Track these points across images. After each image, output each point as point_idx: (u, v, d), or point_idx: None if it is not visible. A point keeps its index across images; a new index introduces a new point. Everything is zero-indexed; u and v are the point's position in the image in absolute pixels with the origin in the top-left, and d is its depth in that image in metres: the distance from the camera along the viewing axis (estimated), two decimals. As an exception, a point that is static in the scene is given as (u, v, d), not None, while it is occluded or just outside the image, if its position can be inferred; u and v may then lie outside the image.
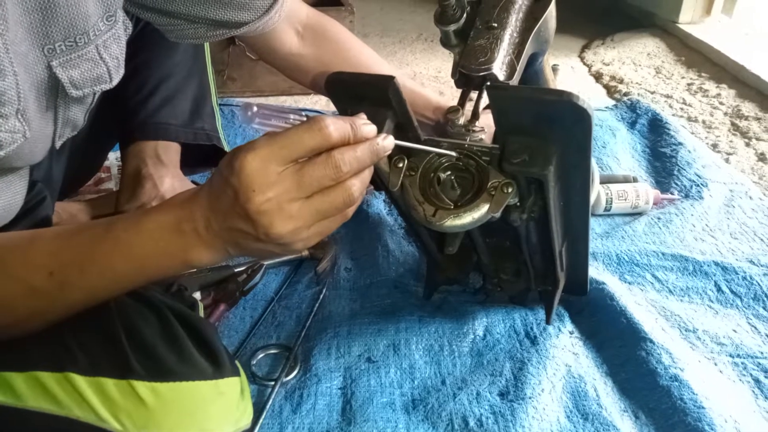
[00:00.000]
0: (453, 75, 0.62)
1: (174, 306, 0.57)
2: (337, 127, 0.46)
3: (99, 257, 0.48)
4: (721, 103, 1.48)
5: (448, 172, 0.58)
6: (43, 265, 0.48)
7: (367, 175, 0.49)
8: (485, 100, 0.58)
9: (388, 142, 0.49)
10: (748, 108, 1.43)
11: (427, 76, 1.71)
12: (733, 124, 1.39)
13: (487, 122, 0.63)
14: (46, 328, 0.51)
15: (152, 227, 0.48)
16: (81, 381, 0.48)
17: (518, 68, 0.59)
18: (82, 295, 0.50)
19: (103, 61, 0.58)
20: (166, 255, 0.48)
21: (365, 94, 0.56)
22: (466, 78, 0.59)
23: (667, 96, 1.54)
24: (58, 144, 0.62)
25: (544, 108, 0.51)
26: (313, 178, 0.45)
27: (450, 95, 1.52)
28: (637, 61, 1.77)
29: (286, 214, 0.45)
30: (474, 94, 0.63)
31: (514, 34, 0.61)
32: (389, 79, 0.54)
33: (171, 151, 0.92)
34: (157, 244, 0.48)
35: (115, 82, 0.61)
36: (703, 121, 1.40)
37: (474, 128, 0.61)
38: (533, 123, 0.53)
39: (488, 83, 0.59)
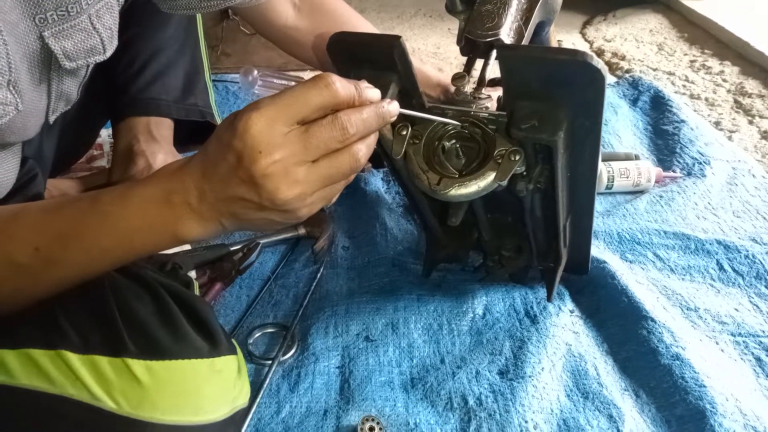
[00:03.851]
0: (458, 41, 0.60)
1: (169, 284, 0.56)
2: (343, 84, 0.44)
3: (84, 232, 0.47)
4: (724, 81, 1.46)
5: (453, 141, 0.56)
6: (28, 240, 0.47)
7: (373, 140, 0.47)
8: (494, 71, 0.56)
9: (393, 107, 0.47)
10: (752, 85, 1.41)
11: (426, 52, 1.69)
12: (736, 101, 1.37)
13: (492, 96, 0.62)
14: (31, 305, 0.49)
15: (139, 200, 0.46)
16: (74, 359, 0.47)
17: (526, 35, 0.57)
18: (67, 272, 0.48)
19: (96, 31, 0.56)
20: (153, 229, 0.46)
21: (369, 56, 0.54)
22: (472, 44, 0.58)
23: (670, 73, 1.52)
24: (51, 119, 0.60)
25: (556, 68, 0.49)
26: (320, 140, 0.44)
27: (449, 72, 1.49)
28: (639, 38, 1.74)
29: (293, 178, 0.43)
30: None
31: (522, 0, 0.59)
32: (395, 39, 0.52)
33: (163, 127, 0.90)
34: (144, 218, 0.46)
35: (109, 53, 0.59)
36: (706, 99, 1.38)
37: (480, 95, 0.59)
38: (544, 85, 0.51)
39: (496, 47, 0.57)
